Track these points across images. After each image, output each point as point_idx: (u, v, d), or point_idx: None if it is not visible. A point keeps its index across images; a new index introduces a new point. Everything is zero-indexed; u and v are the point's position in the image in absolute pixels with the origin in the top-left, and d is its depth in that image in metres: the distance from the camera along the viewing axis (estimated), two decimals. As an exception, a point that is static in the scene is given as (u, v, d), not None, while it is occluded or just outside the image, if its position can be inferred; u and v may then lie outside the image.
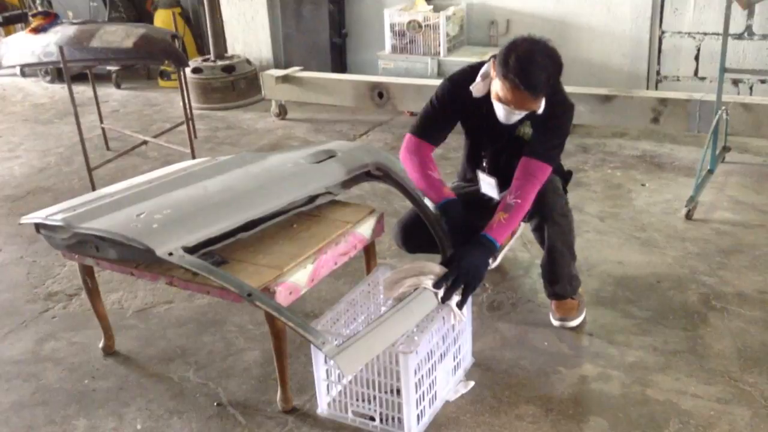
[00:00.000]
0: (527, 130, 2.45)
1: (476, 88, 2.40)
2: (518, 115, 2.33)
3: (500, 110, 2.33)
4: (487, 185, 2.61)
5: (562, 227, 2.47)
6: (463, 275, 2.14)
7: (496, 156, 2.57)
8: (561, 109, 2.40)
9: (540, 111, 2.34)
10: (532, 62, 2.18)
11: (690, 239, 3.16)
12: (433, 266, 2.15)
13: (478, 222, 2.62)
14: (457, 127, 2.69)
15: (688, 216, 3.34)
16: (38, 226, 2.31)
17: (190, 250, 2.02)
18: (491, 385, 2.31)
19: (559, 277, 2.53)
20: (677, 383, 2.27)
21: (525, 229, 3.09)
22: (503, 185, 2.51)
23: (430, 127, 2.52)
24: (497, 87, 2.29)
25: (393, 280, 2.15)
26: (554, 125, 2.39)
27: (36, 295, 3.02)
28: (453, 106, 2.50)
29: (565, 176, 2.68)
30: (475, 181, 2.68)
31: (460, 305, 2.16)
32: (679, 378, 2.29)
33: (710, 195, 3.56)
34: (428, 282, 2.10)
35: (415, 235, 2.57)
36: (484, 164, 2.61)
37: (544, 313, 2.65)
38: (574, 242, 2.55)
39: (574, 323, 2.58)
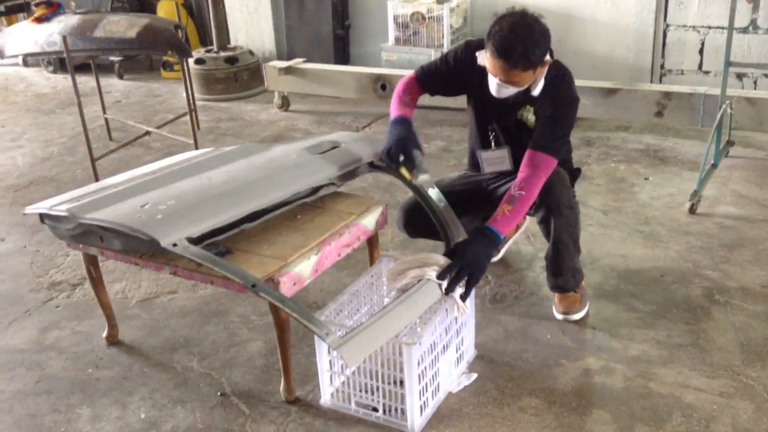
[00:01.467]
0: (530, 116, 2.47)
1: (482, 56, 2.43)
2: (509, 90, 2.36)
3: (492, 84, 2.38)
4: (493, 161, 2.64)
5: (568, 219, 2.47)
6: (466, 267, 2.14)
7: (504, 134, 2.59)
8: (565, 101, 2.41)
9: (536, 92, 2.39)
10: (512, 33, 2.22)
11: (693, 233, 3.16)
12: (437, 257, 2.15)
13: (480, 211, 2.61)
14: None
15: (692, 210, 3.33)
16: (43, 216, 2.31)
17: (195, 241, 2.02)
18: (494, 378, 2.31)
19: (563, 269, 2.53)
20: (680, 377, 2.27)
21: (529, 223, 3.10)
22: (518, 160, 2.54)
23: (432, 76, 2.60)
24: (485, 59, 2.35)
25: (397, 271, 2.15)
26: (558, 117, 2.40)
27: (39, 285, 3.03)
28: (461, 69, 2.55)
29: (574, 173, 2.69)
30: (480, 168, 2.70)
31: (463, 297, 2.16)
32: (682, 371, 2.30)
33: (714, 189, 3.56)
34: (432, 273, 2.10)
35: (417, 220, 2.58)
36: (491, 139, 2.63)
37: (547, 306, 2.65)
38: (580, 235, 2.55)
39: (577, 316, 2.58)
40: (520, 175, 2.34)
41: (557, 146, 2.40)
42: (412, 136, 2.43)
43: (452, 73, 2.56)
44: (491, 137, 2.62)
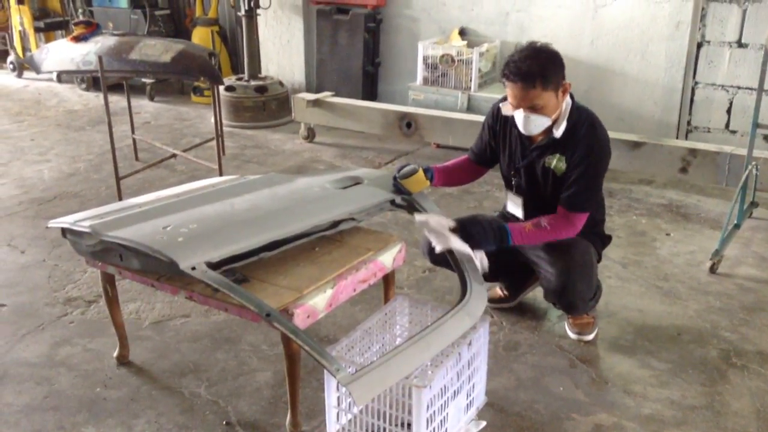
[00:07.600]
0: (560, 164, 2.51)
1: (506, 107, 2.52)
2: (535, 121, 2.43)
3: (519, 119, 2.47)
4: (513, 204, 2.76)
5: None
6: (466, 238, 2.29)
7: (529, 181, 2.64)
8: (599, 152, 2.50)
9: (558, 134, 2.46)
10: (524, 55, 2.39)
11: (713, 293, 3.12)
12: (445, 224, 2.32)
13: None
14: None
15: (713, 269, 3.29)
16: (65, 231, 2.33)
17: (213, 266, 2.03)
18: (503, 427, 2.28)
19: (575, 309, 2.70)
20: (693, 439, 2.23)
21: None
22: (529, 212, 2.67)
23: (478, 146, 2.79)
24: (508, 101, 2.48)
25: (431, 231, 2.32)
26: (591, 172, 2.49)
27: (55, 299, 3.04)
28: (493, 126, 2.70)
29: (604, 240, 2.79)
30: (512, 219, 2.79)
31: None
32: (696, 434, 2.25)
33: (735, 250, 3.52)
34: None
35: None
36: (513, 184, 2.72)
37: (562, 356, 2.62)
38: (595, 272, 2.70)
39: (589, 337, 2.74)
40: (557, 214, 2.49)
41: (591, 202, 2.53)
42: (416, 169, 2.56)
43: (484, 132, 2.73)
44: (513, 182, 2.70)
